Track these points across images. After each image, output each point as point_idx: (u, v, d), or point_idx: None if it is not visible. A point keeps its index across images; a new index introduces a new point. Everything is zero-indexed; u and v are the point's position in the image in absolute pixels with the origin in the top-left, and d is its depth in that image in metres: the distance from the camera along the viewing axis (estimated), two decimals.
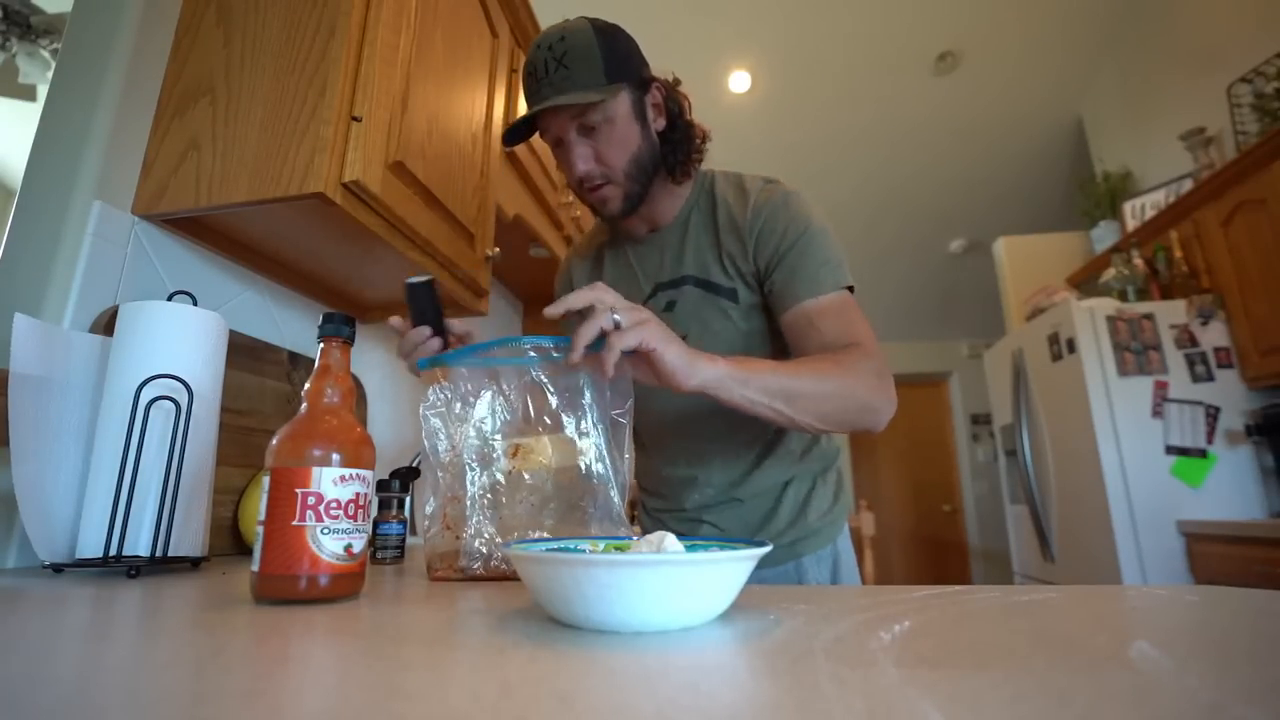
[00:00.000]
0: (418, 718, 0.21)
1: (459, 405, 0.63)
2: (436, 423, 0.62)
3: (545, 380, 0.63)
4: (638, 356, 0.60)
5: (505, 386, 0.63)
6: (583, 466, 0.62)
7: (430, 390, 0.63)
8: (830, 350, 0.74)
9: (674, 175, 0.86)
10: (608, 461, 0.62)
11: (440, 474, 0.61)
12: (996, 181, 3.76)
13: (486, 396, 0.63)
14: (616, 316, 0.58)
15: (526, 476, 0.61)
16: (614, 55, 0.77)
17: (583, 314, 0.59)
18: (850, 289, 0.79)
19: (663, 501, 0.95)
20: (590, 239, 1.03)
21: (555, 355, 0.62)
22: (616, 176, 0.80)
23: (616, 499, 0.61)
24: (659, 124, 0.84)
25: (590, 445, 0.62)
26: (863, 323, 0.77)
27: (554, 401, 0.63)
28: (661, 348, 0.59)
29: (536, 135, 0.83)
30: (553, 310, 0.60)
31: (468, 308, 1.19)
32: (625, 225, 0.92)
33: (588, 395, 0.63)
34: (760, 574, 0.85)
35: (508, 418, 0.63)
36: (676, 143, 0.85)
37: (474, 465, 0.61)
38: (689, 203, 0.89)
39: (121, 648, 0.33)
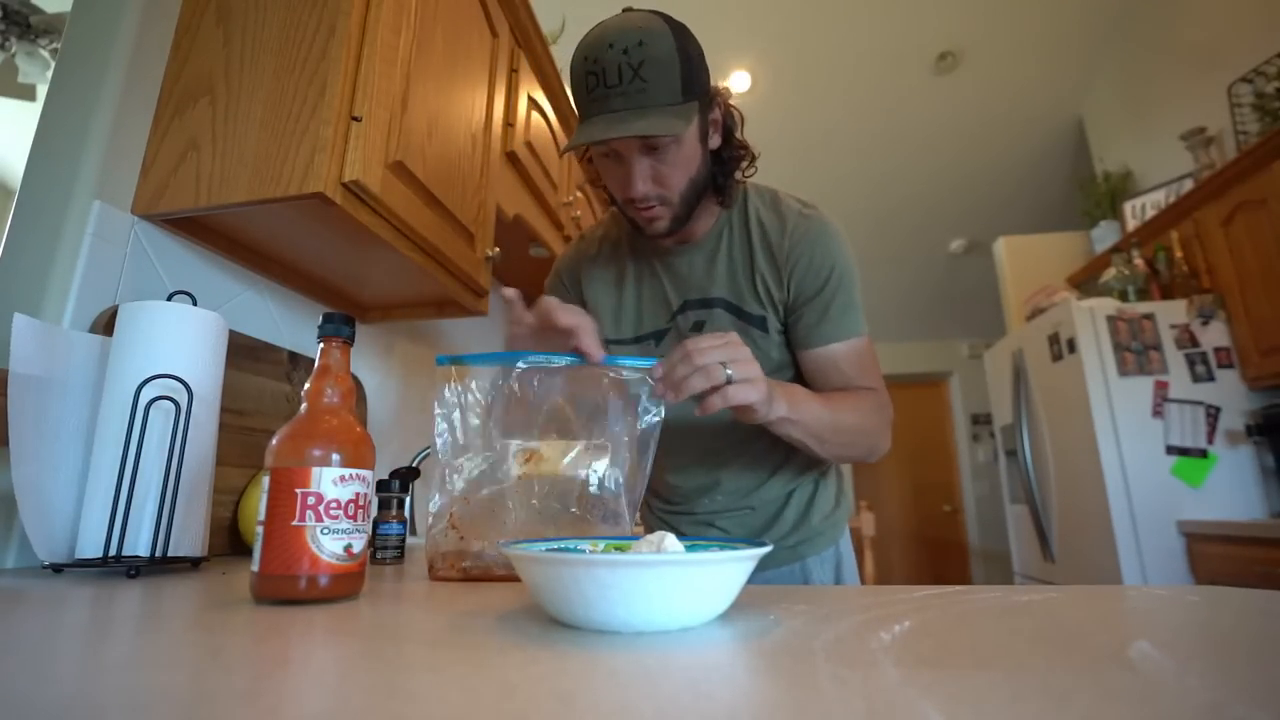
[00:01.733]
0: (418, 718, 0.21)
1: (476, 407, 0.62)
2: (449, 422, 0.62)
3: (569, 393, 0.62)
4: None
5: (523, 393, 0.62)
6: (594, 482, 0.61)
7: (445, 388, 0.62)
8: (852, 390, 0.81)
9: (721, 198, 0.83)
10: (621, 481, 0.62)
11: (448, 473, 0.61)
12: (997, 181, 3.76)
13: (503, 401, 0.62)
14: (730, 371, 0.59)
15: (536, 484, 0.61)
16: (690, 66, 0.70)
17: (664, 341, 0.58)
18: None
19: (673, 505, 0.94)
20: (598, 237, 0.96)
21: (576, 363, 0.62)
22: (672, 199, 0.76)
23: (625, 515, 0.61)
24: (714, 141, 0.79)
25: (605, 462, 0.62)
26: (877, 367, 0.84)
27: (574, 415, 0.62)
28: (759, 406, 0.62)
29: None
30: (663, 389, 0.60)
31: (468, 308, 1.19)
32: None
33: (610, 413, 0.63)
34: (765, 575, 0.86)
35: (523, 423, 0.62)
36: (727, 162, 0.81)
37: (484, 468, 0.60)
38: (722, 219, 0.85)
39: (121, 648, 0.33)
